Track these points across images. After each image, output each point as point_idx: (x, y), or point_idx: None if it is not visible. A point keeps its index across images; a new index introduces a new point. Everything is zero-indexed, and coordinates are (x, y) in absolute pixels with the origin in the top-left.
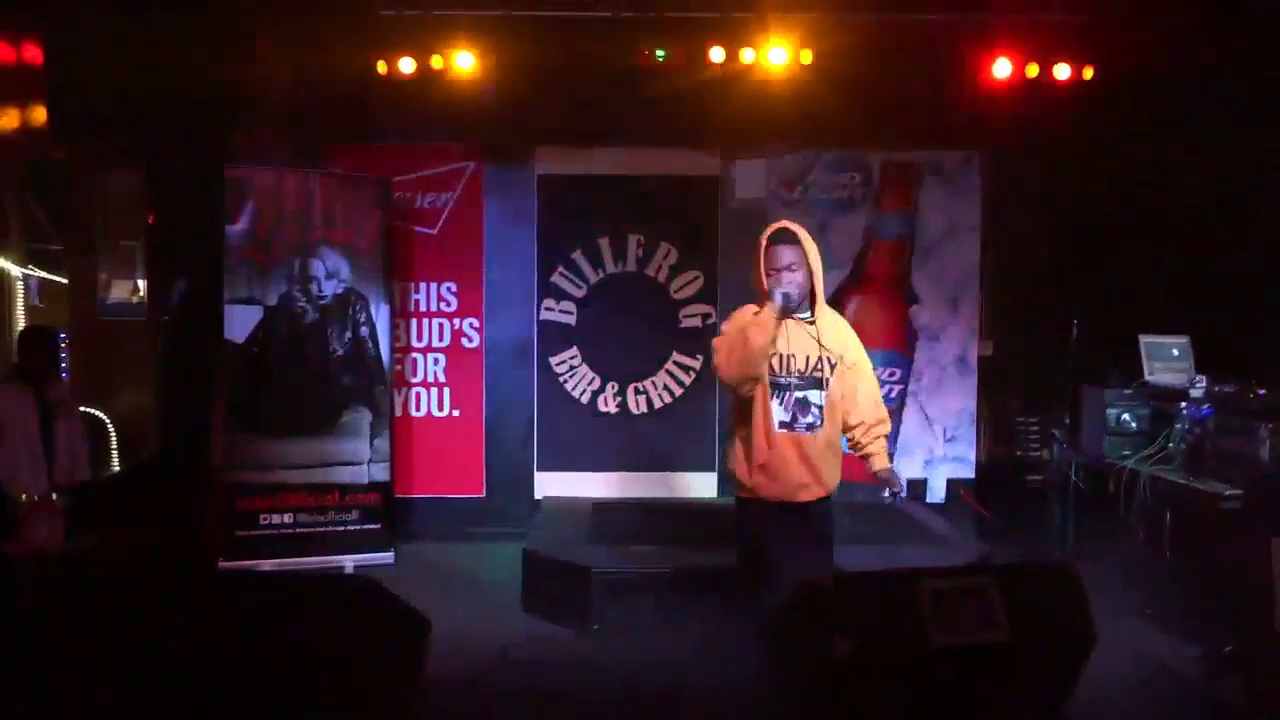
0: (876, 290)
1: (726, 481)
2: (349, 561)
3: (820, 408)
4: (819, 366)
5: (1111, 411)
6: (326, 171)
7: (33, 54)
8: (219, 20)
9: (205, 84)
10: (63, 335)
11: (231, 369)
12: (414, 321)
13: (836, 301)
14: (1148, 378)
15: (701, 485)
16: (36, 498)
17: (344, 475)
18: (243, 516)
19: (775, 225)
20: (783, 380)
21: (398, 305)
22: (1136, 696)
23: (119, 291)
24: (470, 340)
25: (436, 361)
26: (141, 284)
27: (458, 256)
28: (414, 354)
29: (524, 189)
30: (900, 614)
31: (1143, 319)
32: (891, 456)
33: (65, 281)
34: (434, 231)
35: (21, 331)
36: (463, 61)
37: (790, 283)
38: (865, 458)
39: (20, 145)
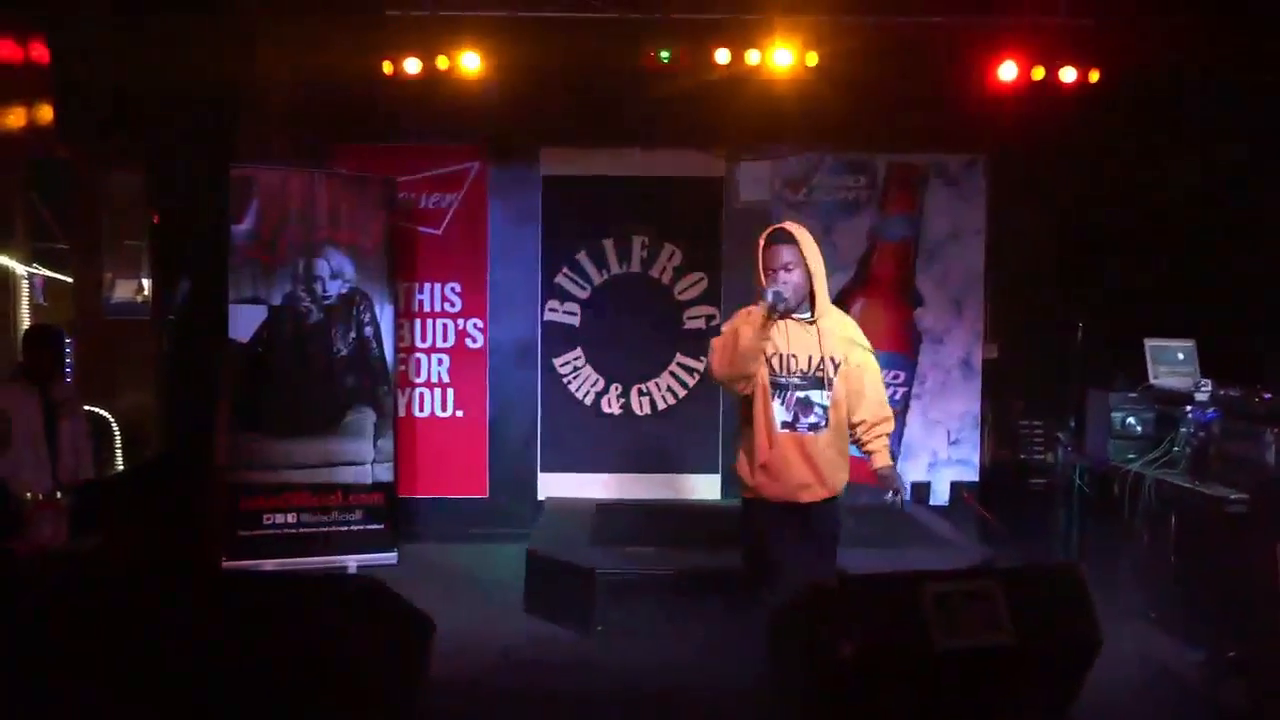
0: (881, 293)
1: (730, 483)
2: (352, 562)
3: (825, 408)
4: (821, 366)
5: (1116, 415)
6: (331, 171)
7: (39, 53)
8: (225, 20)
9: (210, 84)
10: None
11: (236, 369)
12: (418, 322)
13: (841, 303)
14: (1153, 381)
15: (705, 487)
16: (41, 496)
17: (347, 475)
18: (246, 516)
19: (774, 225)
20: (783, 380)
21: (402, 305)
22: (1140, 700)
23: (124, 291)
24: (474, 341)
25: (440, 362)
26: (146, 283)
27: (462, 257)
28: (418, 354)
29: (529, 190)
30: (904, 617)
31: (1148, 322)
32: (895, 458)
33: (70, 280)
34: (438, 232)
35: (26, 330)
36: (468, 62)
37: (784, 282)
38: (867, 455)
39: (26, 144)
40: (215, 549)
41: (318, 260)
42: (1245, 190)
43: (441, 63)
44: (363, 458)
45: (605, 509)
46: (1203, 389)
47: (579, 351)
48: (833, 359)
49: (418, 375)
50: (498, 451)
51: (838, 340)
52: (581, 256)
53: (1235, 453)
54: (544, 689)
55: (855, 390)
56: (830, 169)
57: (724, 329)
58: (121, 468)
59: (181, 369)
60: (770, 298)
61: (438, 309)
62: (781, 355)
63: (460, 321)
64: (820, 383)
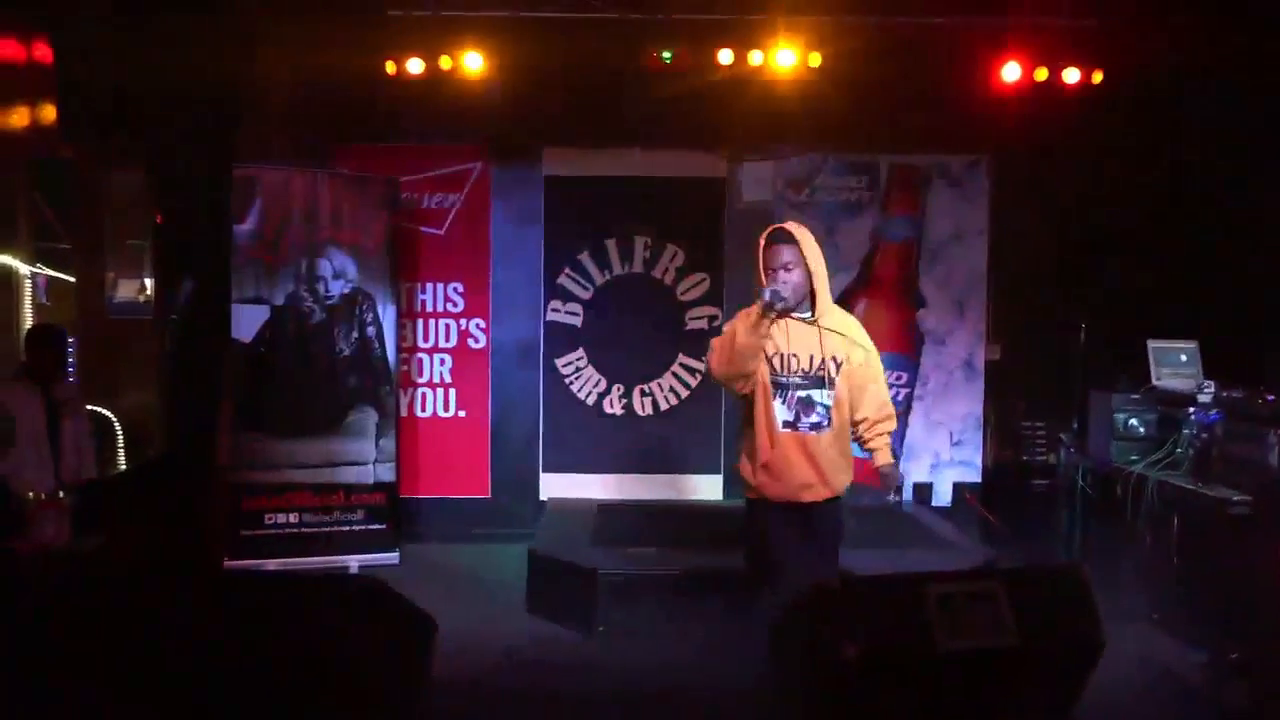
0: (883, 293)
1: (732, 483)
2: (354, 562)
3: (827, 407)
4: (823, 366)
5: (1119, 416)
6: (334, 171)
7: (43, 53)
8: (228, 20)
9: (213, 83)
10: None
11: (238, 368)
12: (420, 322)
13: (844, 304)
14: (1156, 382)
15: (707, 487)
16: (43, 496)
17: (349, 475)
18: (248, 516)
19: (774, 225)
20: (784, 380)
21: (404, 306)
22: (1142, 701)
23: (126, 290)
24: (476, 341)
25: (442, 362)
26: (149, 283)
27: (464, 257)
28: (420, 354)
29: (531, 190)
30: (906, 618)
31: (1150, 323)
32: (897, 458)
33: (73, 280)
34: (441, 232)
35: (29, 330)
36: (471, 62)
37: (784, 282)
38: (868, 452)
39: (29, 144)
40: (217, 549)
41: (320, 260)
42: (1248, 191)
43: (444, 63)
44: (365, 458)
45: (607, 509)
46: (1205, 390)
47: (581, 352)
48: (834, 358)
49: (420, 375)
50: (500, 452)
51: (839, 339)
52: (584, 257)
53: (1238, 454)
54: (546, 689)
55: (858, 389)
56: (833, 169)
57: (725, 329)
58: (124, 467)
59: (184, 369)
60: (768, 296)
61: (440, 309)
62: (782, 355)
63: (462, 322)
64: (821, 382)
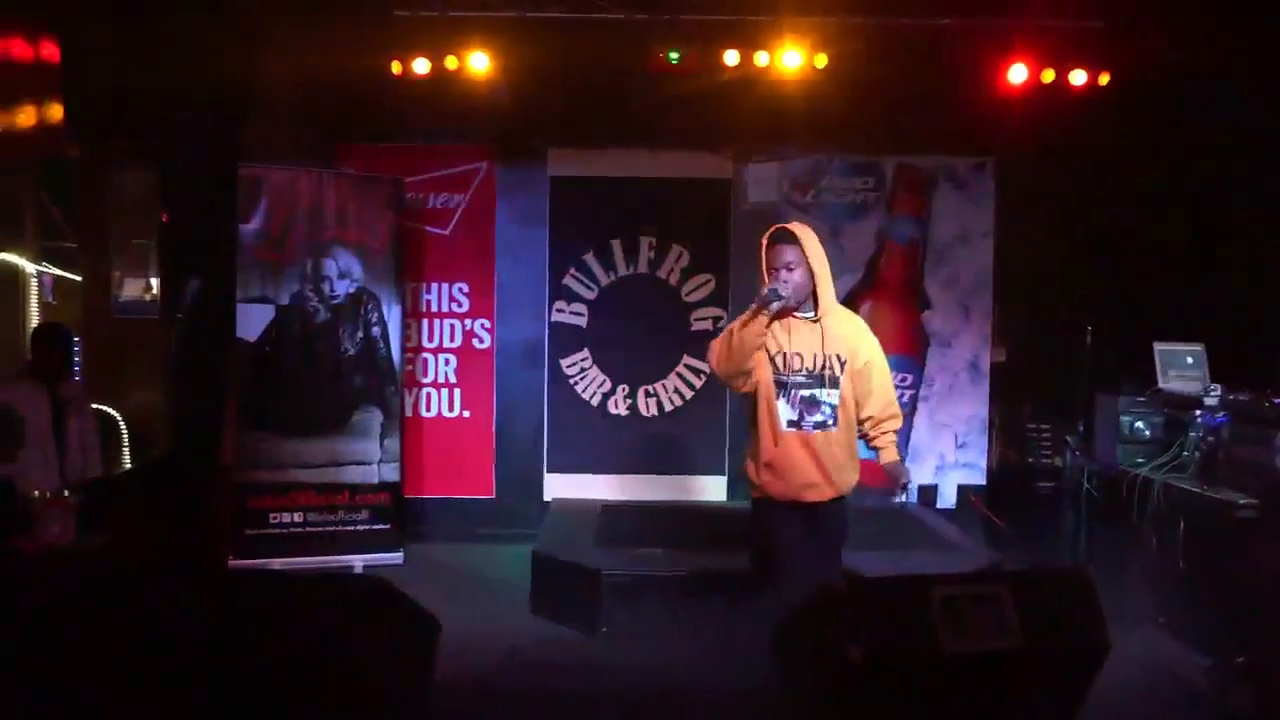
0: (888, 295)
1: (736, 484)
2: (358, 561)
3: (833, 407)
4: (827, 365)
5: (1125, 419)
6: (340, 171)
7: (50, 52)
8: (234, 20)
9: (220, 83)
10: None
11: (243, 368)
12: (425, 322)
13: (849, 306)
14: (1162, 385)
15: (711, 488)
16: (48, 494)
17: (354, 475)
18: (253, 515)
19: (776, 225)
20: (786, 379)
21: (409, 305)
22: (1147, 704)
23: (132, 290)
24: (481, 341)
25: (447, 362)
26: (154, 282)
27: (469, 257)
28: (425, 354)
29: (536, 190)
30: (911, 620)
31: (1156, 326)
32: (903, 459)
33: (79, 279)
34: (446, 232)
35: (35, 329)
36: (477, 62)
37: (785, 281)
38: (874, 451)
39: (36, 144)
40: (222, 548)
41: (325, 260)
42: (1256, 193)
43: (450, 63)
44: (369, 457)
45: (611, 510)
46: (1212, 393)
47: (586, 352)
48: (838, 357)
49: (425, 375)
50: (504, 452)
51: (843, 338)
52: (589, 257)
53: (1244, 457)
54: (549, 689)
55: (863, 388)
56: (838, 171)
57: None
58: (129, 466)
59: (189, 368)
60: (768, 294)
61: (445, 309)
62: (785, 354)
63: (467, 322)
64: (825, 381)
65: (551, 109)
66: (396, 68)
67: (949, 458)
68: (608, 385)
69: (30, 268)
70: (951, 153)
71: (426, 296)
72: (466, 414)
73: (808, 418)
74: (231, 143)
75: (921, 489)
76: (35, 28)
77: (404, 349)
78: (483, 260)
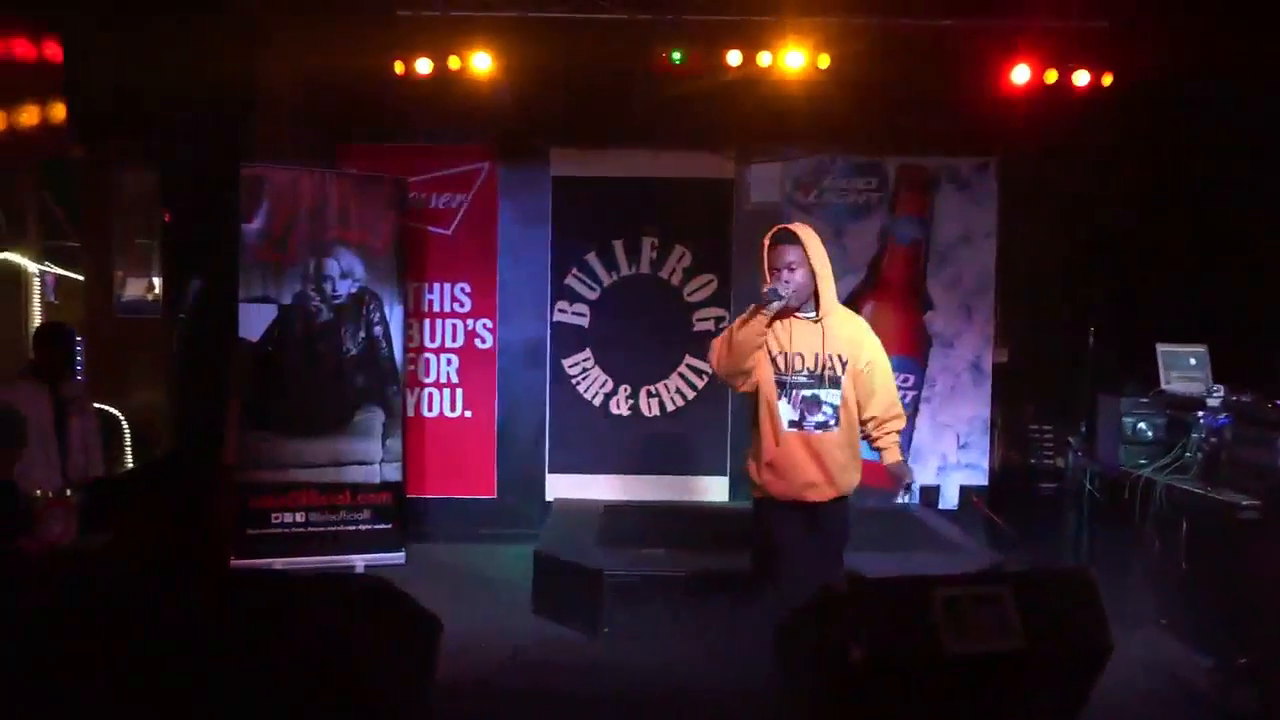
0: (891, 296)
1: (738, 484)
2: (360, 561)
3: (835, 407)
4: (829, 365)
5: (1128, 420)
6: (342, 171)
7: (53, 52)
8: (237, 19)
9: (222, 83)
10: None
11: (245, 367)
12: (427, 322)
13: (851, 306)
14: (1164, 386)
15: (713, 489)
16: (50, 494)
17: (356, 475)
18: (255, 515)
19: (778, 225)
20: (787, 379)
21: (411, 305)
22: (1149, 706)
23: (134, 289)
24: (483, 341)
25: (449, 362)
26: (157, 282)
27: (471, 257)
28: (427, 354)
29: (539, 190)
30: (913, 621)
31: (1159, 327)
32: (905, 459)
33: (81, 279)
34: (448, 232)
35: (37, 328)
36: (479, 62)
37: (786, 281)
38: (877, 451)
39: (38, 143)
40: (224, 548)
41: (328, 260)
42: (1259, 194)
43: (452, 63)
44: (371, 457)
45: (613, 510)
46: (1214, 394)
47: (588, 352)
48: (839, 357)
49: (427, 375)
50: (506, 452)
51: (844, 339)
52: (591, 257)
53: (1247, 458)
54: (551, 690)
55: (865, 388)
56: (841, 171)
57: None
58: (131, 465)
59: (191, 367)
60: (768, 294)
61: (447, 309)
62: (786, 354)
63: (469, 322)
64: (826, 381)
65: (554, 109)
66: (399, 67)
67: (951, 458)
68: (610, 385)
69: (33, 267)
70: (954, 153)
71: (429, 296)
72: (468, 414)
73: (809, 418)
74: (233, 142)
75: (923, 490)
76: (38, 28)
77: (406, 349)
78: (485, 260)
